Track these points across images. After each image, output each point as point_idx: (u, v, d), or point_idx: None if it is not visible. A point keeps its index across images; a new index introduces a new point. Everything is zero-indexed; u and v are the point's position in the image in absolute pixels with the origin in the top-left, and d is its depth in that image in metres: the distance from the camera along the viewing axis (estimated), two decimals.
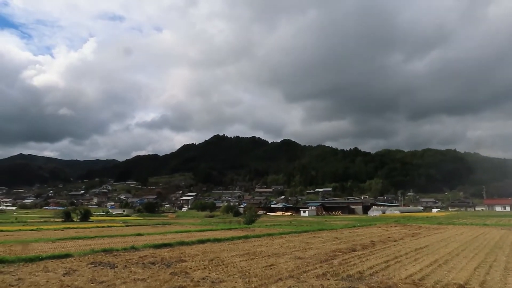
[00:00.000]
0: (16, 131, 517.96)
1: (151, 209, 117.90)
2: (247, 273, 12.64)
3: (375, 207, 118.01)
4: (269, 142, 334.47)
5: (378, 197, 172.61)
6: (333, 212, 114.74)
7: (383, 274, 12.66)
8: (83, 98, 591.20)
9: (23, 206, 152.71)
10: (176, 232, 34.83)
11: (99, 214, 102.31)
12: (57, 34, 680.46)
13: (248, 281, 11.24)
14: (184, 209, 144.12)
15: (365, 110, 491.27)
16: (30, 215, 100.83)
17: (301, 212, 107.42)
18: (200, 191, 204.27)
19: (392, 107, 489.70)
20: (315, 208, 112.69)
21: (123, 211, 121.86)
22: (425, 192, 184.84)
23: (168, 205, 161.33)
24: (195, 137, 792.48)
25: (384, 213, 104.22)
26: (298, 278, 11.71)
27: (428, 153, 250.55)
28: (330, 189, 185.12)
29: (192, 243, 22.26)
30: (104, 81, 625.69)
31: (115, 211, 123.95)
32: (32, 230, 42.65)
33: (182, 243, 21.80)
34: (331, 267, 13.80)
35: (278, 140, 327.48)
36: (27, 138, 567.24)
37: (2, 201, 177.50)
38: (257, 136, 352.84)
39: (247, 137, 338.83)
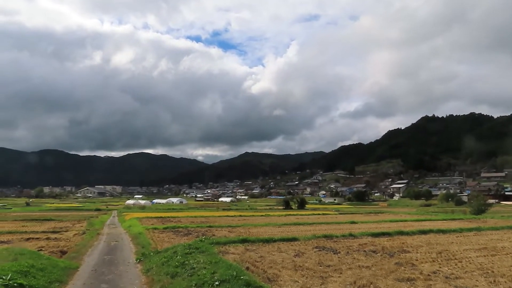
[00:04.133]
0: (242, 133, 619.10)
1: (361, 197, 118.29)
2: (489, 271, 10.75)
3: None
4: (495, 117, 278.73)
5: None
6: None
7: None
8: (292, 98, 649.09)
9: (252, 196, 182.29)
10: (391, 221, 33.53)
11: (313, 203, 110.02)
12: (265, 46, 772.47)
13: (494, 281, 9.51)
14: (395, 198, 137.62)
15: None
16: (258, 203, 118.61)
17: None
18: (412, 178, 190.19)
19: None
20: None
21: (334, 199, 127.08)
22: None
23: (378, 194, 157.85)
24: (401, 121, 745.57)
25: None
26: None
27: None
28: None
29: (413, 233, 20.85)
30: (308, 79, 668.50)
31: (327, 200, 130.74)
32: (261, 215, 49.96)
33: (401, 233, 20.72)
34: None
35: (508, 114, 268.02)
36: (250, 139, 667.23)
37: (238, 192, 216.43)
38: (477, 112, 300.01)
39: (463, 115, 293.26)
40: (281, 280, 9.78)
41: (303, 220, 37.91)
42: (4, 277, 8.92)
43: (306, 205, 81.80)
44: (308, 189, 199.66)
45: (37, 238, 22.70)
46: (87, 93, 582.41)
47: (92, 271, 12.61)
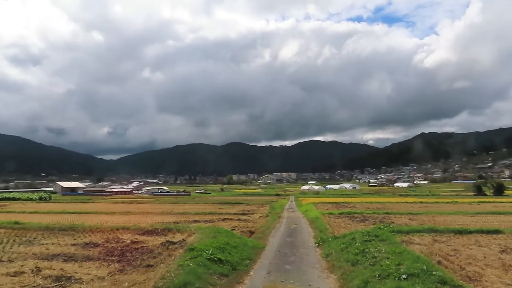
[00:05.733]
0: (416, 113, 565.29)
1: None
2: None
3: None
4: None
5: None
6: None
7: None
8: (477, 66, 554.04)
9: (433, 181, 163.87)
10: None
11: None
12: (437, 11, 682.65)
13: None
14: None
15: None
16: (440, 188, 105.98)
17: None
18: None
19: None
20: None
21: None
22: None
23: None
24: None
25: None
26: None
27: None
28: None
29: None
30: (498, 39, 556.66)
31: None
32: (447, 202, 44.26)
33: None
34: None
35: None
36: (426, 118, 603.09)
37: (415, 176, 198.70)
38: None
39: None
40: (486, 281, 8.12)
41: (504, 209, 31.74)
42: (207, 251, 10.45)
43: (505, 191, 68.45)
44: (507, 172, 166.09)
45: (231, 219, 26.15)
46: (260, 89, 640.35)
47: (276, 252, 13.50)
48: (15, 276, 9.06)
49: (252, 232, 19.25)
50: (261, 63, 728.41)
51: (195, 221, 24.54)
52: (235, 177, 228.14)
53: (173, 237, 15.07)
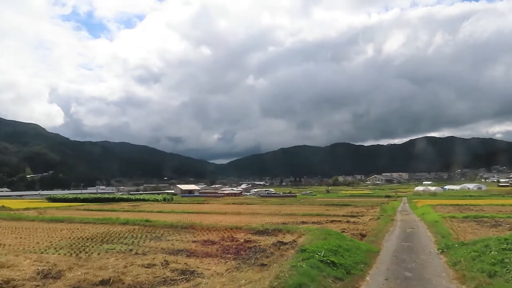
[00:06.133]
0: None
1: None
2: None
3: None
4: None
5: None
6: None
7: None
8: None
9: None
10: None
11: None
12: None
13: None
14: None
15: None
16: None
17: None
18: None
19: None
20: None
21: None
22: None
23: None
24: None
25: None
26: None
27: None
28: None
29: None
30: None
31: None
32: None
33: None
34: None
35: None
36: None
37: None
38: None
39: None
40: None
41: None
42: (319, 253, 10.25)
43: None
44: None
45: (339, 221, 25.46)
46: (364, 86, 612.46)
47: (393, 257, 12.57)
48: (148, 267, 10.21)
49: (363, 235, 18.39)
50: (363, 59, 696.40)
51: (303, 222, 24.56)
52: (340, 178, 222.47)
53: (284, 237, 15.26)
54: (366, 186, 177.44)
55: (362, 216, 29.97)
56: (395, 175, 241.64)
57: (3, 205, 46.25)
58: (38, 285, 8.46)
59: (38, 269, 9.91)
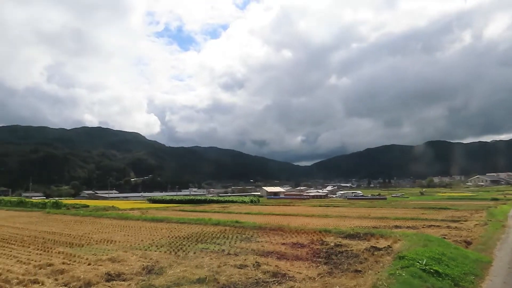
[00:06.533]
0: None
1: None
2: None
3: None
4: None
5: None
6: None
7: None
8: None
9: None
10: None
11: None
12: None
13: None
14: None
15: None
16: None
17: None
18: None
19: None
20: None
21: None
22: None
23: None
24: None
25: None
26: None
27: None
28: None
29: None
30: None
31: None
32: None
33: None
34: None
35: None
36: None
37: None
38: None
39: None
40: None
41: None
42: (420, 261, 9.41)
43: None
44: None
45: (438, 226, 23.25)
46: (461, 77, 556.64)
47: (510, 269, 11.01)
48: (240, 268, 10.46)
49: (468, 243, 16.51)
50: (460, 48, 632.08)
51: (396, 226, 23.00)
52: (436, 180, 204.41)
53: (377, 242, 14.42)
54: (467, 188, 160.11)
55: (465, 221, 26.97)
56: (502, 175, 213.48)
57: (113, 205, 52.20)
58: (143, 280, 9.23)
59: (143, 264, 10.90)
